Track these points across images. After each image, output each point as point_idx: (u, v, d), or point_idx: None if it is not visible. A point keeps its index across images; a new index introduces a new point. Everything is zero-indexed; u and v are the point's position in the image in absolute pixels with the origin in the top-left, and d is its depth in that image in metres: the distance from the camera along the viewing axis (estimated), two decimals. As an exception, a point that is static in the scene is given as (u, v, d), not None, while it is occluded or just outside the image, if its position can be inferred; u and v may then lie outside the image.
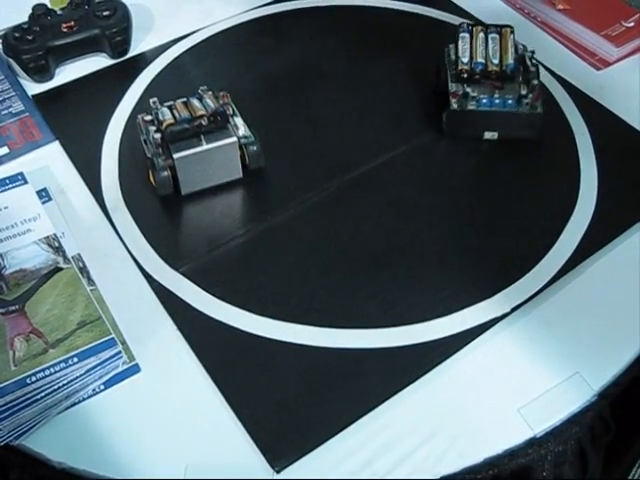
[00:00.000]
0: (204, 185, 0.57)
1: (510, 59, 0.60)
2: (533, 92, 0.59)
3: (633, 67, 0.69)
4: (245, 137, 0.56)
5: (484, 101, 0.59)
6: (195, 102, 0.57)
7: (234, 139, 0.55)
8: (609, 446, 0.49)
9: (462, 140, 0.61)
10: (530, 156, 0.60)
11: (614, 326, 0.50)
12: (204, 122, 0.54)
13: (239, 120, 0.57)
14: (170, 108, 0.57)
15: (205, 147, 0.55)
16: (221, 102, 0.57)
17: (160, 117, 0.56)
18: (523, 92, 0.58)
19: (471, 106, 0.59)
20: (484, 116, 0.60)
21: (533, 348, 0.48)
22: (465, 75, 0.59)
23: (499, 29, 0.62)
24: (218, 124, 0.55)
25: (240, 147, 0.56)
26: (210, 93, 0.58)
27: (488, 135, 0.61)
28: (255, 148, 0.57)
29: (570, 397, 0.46)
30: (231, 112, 0.57)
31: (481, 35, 0.61)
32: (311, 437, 0.44)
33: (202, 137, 0.55)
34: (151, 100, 0.58)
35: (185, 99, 0.57)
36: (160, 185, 0.55)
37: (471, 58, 0.60)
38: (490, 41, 0.61)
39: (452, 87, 0.60)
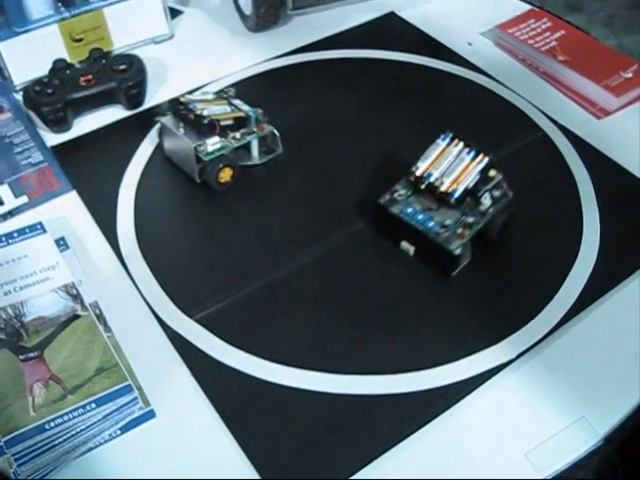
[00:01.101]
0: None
1: (462, 186, 0.55)
2: (459, 227, 0.55)
3: (632, 116, 0.71)
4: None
5: (409, 210, 0.56)
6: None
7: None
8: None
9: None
10: (533, 203, 0.62)
11: (618, 370, 0.51)
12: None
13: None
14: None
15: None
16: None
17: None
18: (448, 222, 0.55)
19: (395, 209, 0.57)
20: (404, 225, 0.56)
21: (539, 393, 0.49)
22: (412, 179, 0.57)
23: (478, 153, 0.57)
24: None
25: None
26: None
27: (405, 245, 0.57)
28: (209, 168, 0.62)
29: (576, 441, 0.47)
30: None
31: (455, 150, 0.57)
32: (322, 482, 0.45)
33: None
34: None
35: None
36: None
37: (428, 167, 0.57)
38: (458, 159, 0.57)
39: (397, 185, 0.58)
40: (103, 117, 0.71)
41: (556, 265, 0.57)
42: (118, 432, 0.47)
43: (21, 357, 0.49)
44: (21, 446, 0.44)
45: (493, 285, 0.56)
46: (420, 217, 0.56)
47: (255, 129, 0.64)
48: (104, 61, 0.71)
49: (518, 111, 0.71)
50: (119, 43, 0.78)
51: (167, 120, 0.64)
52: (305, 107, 0.71)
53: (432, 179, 0.56)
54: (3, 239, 0.57)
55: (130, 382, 0.48)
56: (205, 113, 0.61)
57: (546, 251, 0.58)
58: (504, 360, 0.51)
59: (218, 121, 0.61)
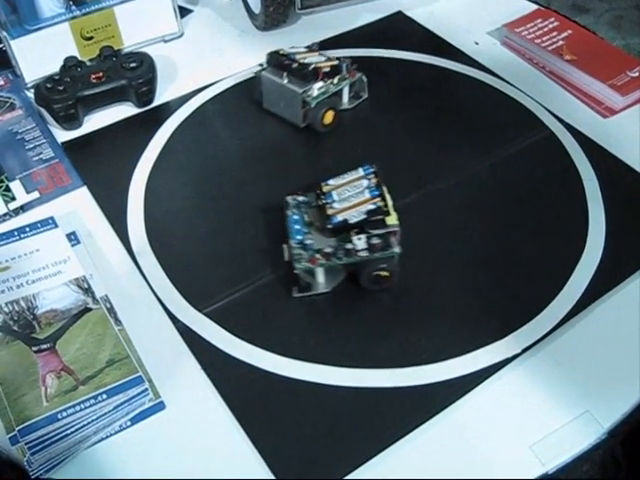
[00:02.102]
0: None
1: (343, 217, 0.54)
2: (318, 253, 0.53)
3: (638, 115, 0.71)
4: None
5: (295, 218, 0.56)
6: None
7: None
8: (621, 485, 0.51)
9: (473, 187, 0.63)
10: (540, 202, 0.62)
11: (623, 365, 0.51)
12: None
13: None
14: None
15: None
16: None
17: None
18: (312, 243, 0.54)
19: (288, 211, 0.57)
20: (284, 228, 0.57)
21: (543, 387, 0.50)
22: (317, 192, 0.57)
23: (380, 194, 0.56)
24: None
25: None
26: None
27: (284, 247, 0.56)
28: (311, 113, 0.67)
29: (580, 435, 0.47)
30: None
31: (365, 183, 0.57)
32: (330, 473, 0.45)
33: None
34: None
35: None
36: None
37: (334, 188, 0.57)
38: (361, 192, 0.56)
39: (308, 192, 0.59)
40: (113, 114, 0.72)
41: (562, 261, 0.57)
42: (128, 423, 0.48)
43: (34, 349, 0.50)
44: (34, 435, 0.45)
45: (498, 280, 0.56)
46: (297, 227, 0.55)
47: (347, 75, 0.69)
48: (115, 59, 0.72)
49: (525, 110, 0.71)
50: (129, 41, 0.78)
51: (268, 72, 0.68)
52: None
53: (329, 200, 0.56)
54: (15, 233, 0.58)
55: (141, 373, 0.49)
56: (307, 61, 0.66)
57: (552, 247, 0.59)
58: (509, 355, 0.51)
59: (320, 68, 0.66)
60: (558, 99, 0.73)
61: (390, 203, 0.55)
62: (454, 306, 0.55)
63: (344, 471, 0.45)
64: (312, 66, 0.67)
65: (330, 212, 0.55)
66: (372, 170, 0.58)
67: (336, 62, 0.68)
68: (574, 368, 0.51)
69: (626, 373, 0.51)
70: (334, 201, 0.55)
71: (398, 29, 0.82)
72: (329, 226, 0.54)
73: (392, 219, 0.54)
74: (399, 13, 0.84)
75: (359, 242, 0.53)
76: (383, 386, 0.50)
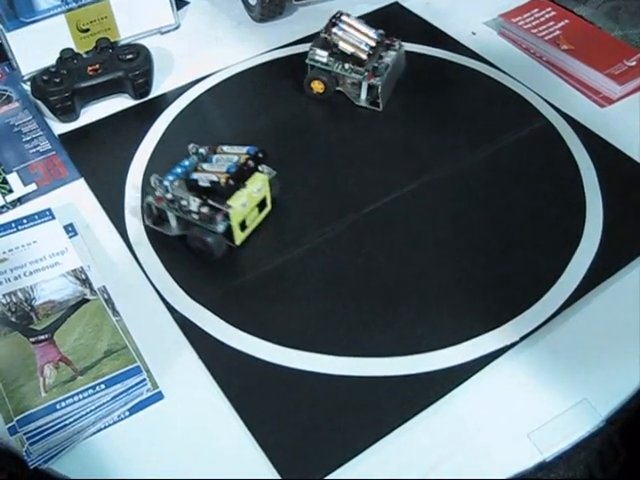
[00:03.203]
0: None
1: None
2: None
3: (635, 104, 0.71)
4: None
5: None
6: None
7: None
8: (620, 474, 0.51)
9: (472, 176, 0.63)
10: (538, 191, 0.62)
11: (621, 354, 0.51)
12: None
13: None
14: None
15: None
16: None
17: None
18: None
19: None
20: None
21: (541, 375, 0.50)
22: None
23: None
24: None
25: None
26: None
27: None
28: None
29: (578, 422, 0.48)
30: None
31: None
32: (328, 462, 0.45)
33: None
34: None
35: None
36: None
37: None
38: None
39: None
40: (110, 106, 0.72)
41: (559, 250, 0.57)
42: (127, 413, 0.48)
43: (32, 339, 0.50)
44: (32, 425, 0.45)
45: (496, 269, 0.56)
46: (178, 170, 0.58)
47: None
48: (111, 51, 0.71)
49: (522, 100, 0.71)
50: (125, 34, 0.78)
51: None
52: (310, 96, 0.72)
53: (208, 161, 0.59)
54: (13, 225, 0.58)
55: (139, 363, 0.49)
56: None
57: (550, 236, 0.59)
58: (507, 343, 0.51)
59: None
60: (555, 89, 0.73)
61: (252, 190, 0.57)
62: (452, 294, 0.55)
63: (343, 459, 0.46)
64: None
65: (197, 170, 0.58)
66: (255, 152, 0.59)
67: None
68: (572, 356, 0.51)
69: (624, 361, 0.51)
70: (209, 163, 0.58)
71: (395, 20, 0.82)
72: (185, 179, 0.57)
73: (232, 201, 0.55)
74: (395, 4, 0.84)
75: (193, 203, 0.55)
76: (381, 375, 0.50)
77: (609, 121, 0.69)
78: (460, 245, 0.58)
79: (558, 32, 0.78)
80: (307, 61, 0.69)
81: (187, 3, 0.86)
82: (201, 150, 0.60)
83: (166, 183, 0.56)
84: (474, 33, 0.80)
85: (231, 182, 0.56)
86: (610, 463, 0.50)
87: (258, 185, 0.57)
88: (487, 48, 0.77)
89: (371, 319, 0.53)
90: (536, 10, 0.82)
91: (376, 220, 0.60)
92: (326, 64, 0.69)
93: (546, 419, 0.48)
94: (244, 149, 0.59)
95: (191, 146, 0.60)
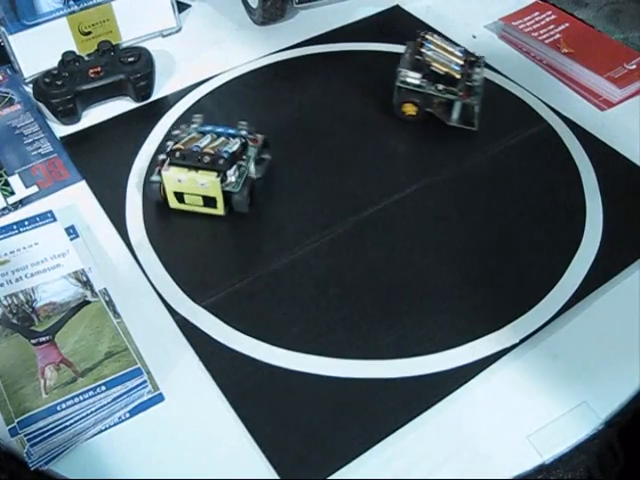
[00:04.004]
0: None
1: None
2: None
3: (636, 107, 0.71)
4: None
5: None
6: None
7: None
8: (619, 476, 0.51)
9: (472, 179, 0.64)
10: (538, 194, 0.62)
11: (620, 357, 0.51)
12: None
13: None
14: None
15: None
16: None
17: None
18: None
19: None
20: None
21: (541, 378, 0.50)
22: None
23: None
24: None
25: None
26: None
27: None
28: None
29: (577, 425, 0.48)
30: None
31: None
32: (329, 464, 0.46)
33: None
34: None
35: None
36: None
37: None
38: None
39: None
40: (112, 109, 0.72)
41: (559, 253, 0.57)
42: (127, 415, 0.48)
43: (33, 341, 0.50)
44: (33, 427, 0.45)
45: (496, 272, 0.57)
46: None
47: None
48: (113, 53, 0.72)
49: (522, 103, 0.71)
50: (127, 36, 0.79)
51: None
52: (311, 99, 0.72)
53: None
54: (14, 227, 0.58)
55: (139, 365, 0.49)
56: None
57: (549, 239, 0.59)
58: (507, 345, 0.51)
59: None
60: (555, 92, 0.73)
61: (198, 178, 0.58)
62: (452, 297, 0.55)
63: (343, 461, 0.46)
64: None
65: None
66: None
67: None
68: (571, 359, 0.51)
69: (623, 364, 0.51)
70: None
71: (396, 23, 0.82)
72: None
73: (176, 172, 0.58)
74: (397, 7, 0.84)
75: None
76: (381, 377, 0.50)
77: (609, 124, 0.69)
78: (460, 247, 0.58)
79: (558, 35, 0.78)
80: (398, 84, 0.67)
81: (189, 6, 0.86)
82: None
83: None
84: (474, 36, 0.80)
85: (206, 158, 0.58)
86: (609, 466, 0.50)
87: (204, 180, 0.58)
88: (487, 51, 0.77)
89: (371, 321, 0.53)
90: (537, 13, 0.82)
91: (376, 222, 0.60)
92: (419, 86, 0.67)
93: (545, 422, 0.48)
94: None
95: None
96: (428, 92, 0.67)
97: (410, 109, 0.68)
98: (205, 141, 0.60)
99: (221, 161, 0.58)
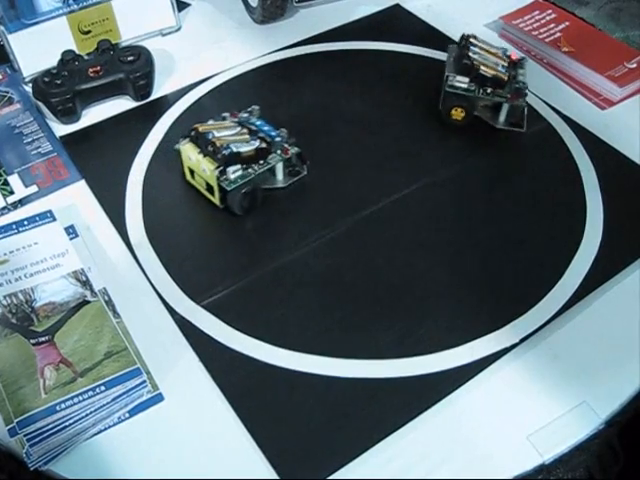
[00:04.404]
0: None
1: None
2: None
3: (636, 106, 0.71)
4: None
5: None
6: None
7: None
8: (620, 476, 0.51)
9: (472, 178, 0.63)
10: (538, 193, 0.62)
11: (620, 356, 0.51)
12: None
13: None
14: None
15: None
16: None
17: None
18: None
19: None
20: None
21: (541, 378, 0.50)
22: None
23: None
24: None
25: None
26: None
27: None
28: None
29: (578, 425, 0.48)
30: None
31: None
32: (327, 463, 0.46)
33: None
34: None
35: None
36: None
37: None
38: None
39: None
40: (111, 108, 0.72)
41: (559, 252, 0.57)
42: (127, 415, 0.48)
43: (32, 341, 0.50)
44: (33, 427, 0.45)
45: (496, 271, 0.57)
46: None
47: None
48: (112, 52, 0.72)
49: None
50: (127, 35, 0.78)
51: None
52: (310, 98, 0.72)
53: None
54: (14, 227, 0.58)
55: (139, 365, 0.49)
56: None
57: (550, 238, 0.59)
58: (507, 345, 0.51)
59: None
60: (556, 91, 0.73)
61: (205, 162, 0.59)
62: (451, 296, 0.55)
63: (342, 460, 0.46)
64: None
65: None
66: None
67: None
68: (572, 358, 0.51)
69: (623, 363, 0.51)
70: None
71: (396, 22, 0.82)
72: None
73: (195, 149, 0.60)
74: (397, 6, 0.84)
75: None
76: (381, 377, 0.50)
77: (610, 123, 0.69)
78: (460, 247, 0.58)
79: (559, 34, 0.78)
80: (446, 89, 0.67)
81: (188, 5, 0.86)
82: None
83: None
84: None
85: (210, 148, 0.59)
86: (610, 465, 0.50)
87: (205, 167, 0.59)
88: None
89: (370, 321, 0.53)
90: (537, 12, 0.82)
91: (376, 222, 0.60)
92: (467, 89, 0.67)
93: (546, 421, 0.48)
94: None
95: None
96: (476, 96, 0.67)
97: (458, 114, 0.68)
98: (226, 132, 0.61)
99: (220, 155, 0.58)
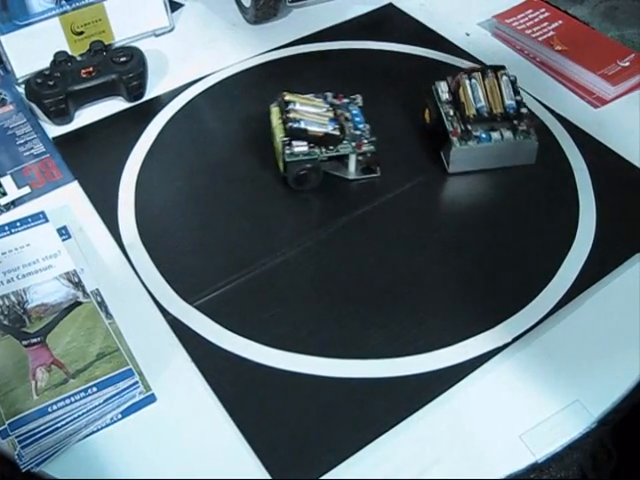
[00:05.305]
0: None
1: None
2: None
3: (629, 105, 0.71)
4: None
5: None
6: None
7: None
8: (613, 475, 0.51)
9: (462, 177, 0.63)
10: (530, 191, 0.62)
11: (613, 355, 0.51)
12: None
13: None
14: None
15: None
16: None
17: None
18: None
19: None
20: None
21: (534, 377, 0.50)
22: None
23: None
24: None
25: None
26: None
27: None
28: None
29: (570, 424, 0.48)
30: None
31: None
32: (320, 463, 0.46)
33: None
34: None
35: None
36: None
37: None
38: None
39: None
40: (104, 109, 0.72)
41: (552, 251, 0.57)
42: (119, 416, 0.48)
43: (24, 342, 0.50)
44: (24, 429, 0.45)
45: (489, 269, 0.57)
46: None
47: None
48: (105, 53, 0.71)
49: (515, 100, 0.71)
50: (120, 36, 0.78)
51: None
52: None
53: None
54: (6, 228, 0.58)
55: (131, 366, 0.49)
56: None
57: (543, 237, 0.59)
58: (500, 344, 0.51)
59: None
60: (549, 89, 0.73)
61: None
62: (444, 295, 0.55)
63: (335, 460, 0.46)
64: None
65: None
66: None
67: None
68: (564, 357, 0.51)
69: (616, 362, 0.51)
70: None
71: (389, 21, 0.82)
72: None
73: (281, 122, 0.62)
74: (390, 5, 0.84)
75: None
76: (373, 376, 0.50)
77: (602, 122, 0.69)
78: (452, 246, 0.58)
79: (552, 33, 0.78)
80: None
81: (181, 5, 0.86)
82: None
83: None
84: (468, 34, 0.80)
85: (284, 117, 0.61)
86: (603, 464, 0.50)
87: (278, 134, 0.62)
88: (481, 49, 0.77)
89: (363, 321, 0.53)
90: (530, 11, 0.82)
91: (370, 222, 0.60)
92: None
93: (538, 420, 0.48)
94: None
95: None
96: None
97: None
98: (309, 108, 0.62)
99: (287, 126, 0.60)
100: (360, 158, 0.63)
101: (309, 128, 0.60)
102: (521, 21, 0.80)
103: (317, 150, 0.61)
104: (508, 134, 0.62)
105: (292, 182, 0.61)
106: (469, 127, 0.62)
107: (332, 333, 0.53)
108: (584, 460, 0.48)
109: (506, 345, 0.51)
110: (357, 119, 0.64)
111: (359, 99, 0.66)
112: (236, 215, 0.61)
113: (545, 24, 0.80)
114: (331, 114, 0.62)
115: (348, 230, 0.59)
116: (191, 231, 0.60)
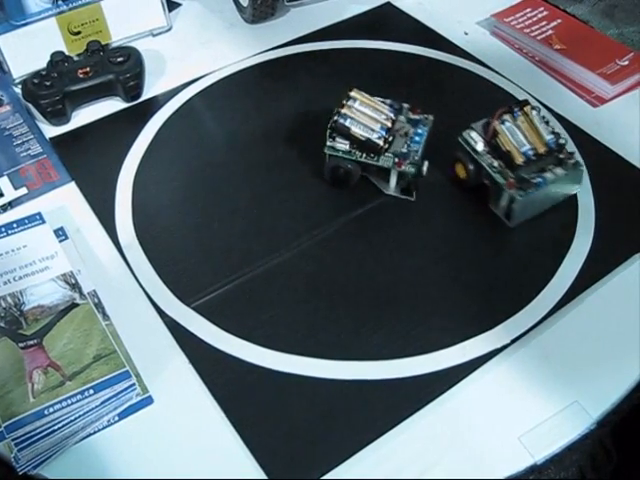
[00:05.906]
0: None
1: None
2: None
3: (628, 104, 0.71)
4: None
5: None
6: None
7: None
8: (612, 475, 0.50)
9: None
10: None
11: (612, 356, 0.51)
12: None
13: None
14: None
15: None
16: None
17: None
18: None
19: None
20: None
21: (532, 378, 0.50)
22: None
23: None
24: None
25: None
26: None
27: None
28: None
29: (569, 425, 0.47)
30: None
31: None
32: (318, 466, 0.45)
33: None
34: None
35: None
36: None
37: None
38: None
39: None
40: (101, 109, 0.71)
41: (551, 251, 0.57)
42: (116, 418, 0.48)
43: (21, 345, 0.50)
44: (21, 431, 0.45)
45: (487, 271, 0.56)
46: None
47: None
48: (102, 53, 0.71)
49: (514, 100, 0.71)
50: (117, 36, 0.78)
51: None
52: (302, 97, 0.72)
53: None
54: (3, 230, 0.58)
55: (128, 368, 0.48)
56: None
57: (541, 237, 0.59)
58: (498, 345, 0.51)
59: None
60: (548, 88, 0.73)
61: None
62: (443, 297, 0.55)
63: (332, 462, 0.45)
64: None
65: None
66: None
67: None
68: (563, 358, 0.51)
69: (615, 363, 0.51)
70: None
71: (387, 20, 0.82)
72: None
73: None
74: (388, 4, 0.84)
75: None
76: (372, 378, 0.50)
77: (601, 121, 0.69)
78: (452, 248, 0.58)
79: (551, 32, 0.78)
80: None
81: (179, 5, 0.86)
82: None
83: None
84: (466, 33, 0.80)
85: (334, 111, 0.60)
86: (602, 465, 0.50)
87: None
88: (479, 48, 0.77)
89: (361, 322, 0.53)
90: (529, 10, 0.81)
91: (368, 224, 0.60)
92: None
93: (537, 422, 0.48)
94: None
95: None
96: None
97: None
98: (366, 110, 0.60)
99: (333, 119, 0.60)
100: (402, 178, 0.61)
101: (353, 128, 0.59)
102: (520, 20, 0.80)
103: (358, 153, 0.60)
104: (559, 170, 0.58)
105: (326, 175, 0.62)
106: (524, 175, 0.58)
107: (330, 334, 0.52)
108: (583, 461, 0.48)
109: (505, 346, 0.51)
110: (417, 138, 0.61)
111: (430, 119, 0.63)
112: (233, 216, 0.61)
113: (544, 23, 0.79)
114: (388, 123, 0.60)
115: (346, 232, 0.59)
116: (188, 232, 0.60)
